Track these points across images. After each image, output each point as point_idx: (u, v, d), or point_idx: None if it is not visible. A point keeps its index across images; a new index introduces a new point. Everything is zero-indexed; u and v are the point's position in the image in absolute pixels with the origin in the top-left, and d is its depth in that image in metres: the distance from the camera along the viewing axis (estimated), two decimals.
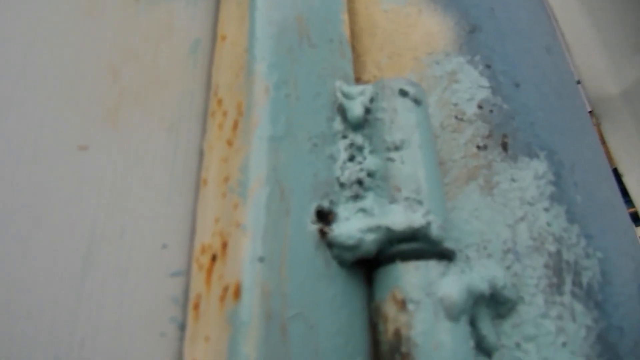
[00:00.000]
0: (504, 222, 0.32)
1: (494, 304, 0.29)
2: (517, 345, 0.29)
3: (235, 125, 0.27)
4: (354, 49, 0.42)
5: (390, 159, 0.29)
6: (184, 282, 0.25)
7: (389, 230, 0.26)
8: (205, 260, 0.25)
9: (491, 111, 0.37)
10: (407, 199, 0.28)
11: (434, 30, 0.41)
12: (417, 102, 0.32)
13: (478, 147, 0.35)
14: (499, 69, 0.39)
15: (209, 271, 0.24)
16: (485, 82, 0.38)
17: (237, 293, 0.22)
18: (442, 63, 0.39)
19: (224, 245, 0.24)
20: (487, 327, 0.28)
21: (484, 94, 0.38)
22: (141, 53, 0.29)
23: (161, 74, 0.29)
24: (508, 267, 0.31)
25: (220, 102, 0.29)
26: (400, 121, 0.31)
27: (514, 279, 0.30)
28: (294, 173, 0.27)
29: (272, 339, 0.21)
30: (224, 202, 0.25)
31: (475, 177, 0.34)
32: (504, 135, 0.36)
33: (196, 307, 0.24)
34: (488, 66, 0.39)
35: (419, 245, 0.27)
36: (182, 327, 0.24)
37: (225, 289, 0.22)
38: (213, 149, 0.28)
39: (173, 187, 0.27)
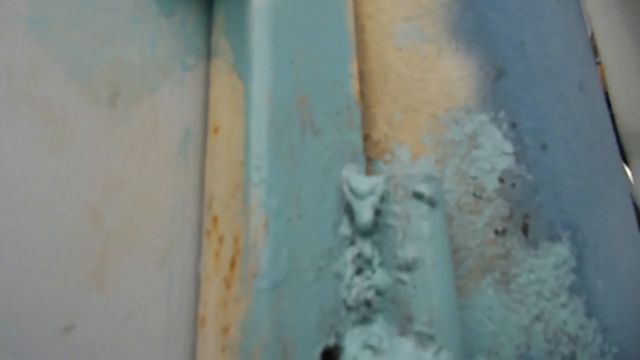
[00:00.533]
0: (518, 323, 0.31)
1: None
2: None
3: (232, 264, 0.25)
4: (362, 96, 0.37)
5: (401, 281, 0.27)
6: None
7: None
8: None
9: (513, 185, 0.34)
10: (418, 333, 0.26)
11: (455, 77, 0.36)
12: (432, 204, 0.29)
13: (496, 232, 0.33)
14: (526, 126, 0.35)
15: None
16: (509, 148, 0.34)
17: None
18: (461, 123, 0.35)
19: None
20: None
21: (506, 162, 0.34)
22: (125, 175, 0.25)
23: (149, 193, 0.26)
24: None
25: (215, 220, 0.27)
26: (413, 232, 0.28)
27: None
28: (297, 319, 0.25)
29: None
30: None
31: (492, 269, 0.32)
32: (526, 216, 0.33)
33: None
34: (513, 125, 0.35)
35: None
36: None
37: None
38: (210, 280, 0.26)
39: (170, 330, 0.25)
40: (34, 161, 0.23)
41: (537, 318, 0.31)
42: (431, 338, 0.26)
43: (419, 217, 0.28)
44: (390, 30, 0.38)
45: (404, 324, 0.27)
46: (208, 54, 0.32)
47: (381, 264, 0.28)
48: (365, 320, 0.27)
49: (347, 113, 0.33)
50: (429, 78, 0.36)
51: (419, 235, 0.28)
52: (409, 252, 0.28)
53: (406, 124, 0.36)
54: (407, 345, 0.26)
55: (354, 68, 0.35)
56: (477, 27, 0.37)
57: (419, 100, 0.36)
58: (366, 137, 0.36)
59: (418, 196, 0.29)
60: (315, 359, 0.25)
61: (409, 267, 0.27)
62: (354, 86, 0.34)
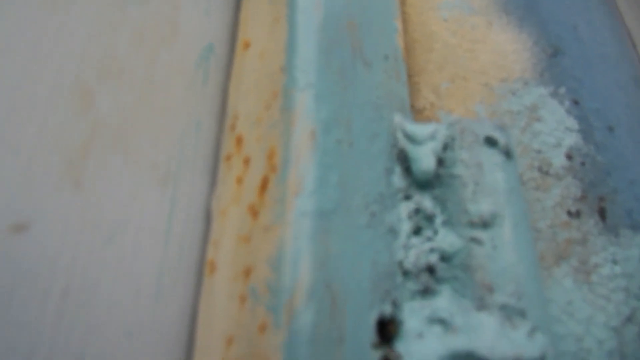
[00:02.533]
0: (606, 324, 0.24)
1: None
2: None
3: (264, 186, 0.18)
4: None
5: (475, 240, 0.21)
6: None
7: None
8: None
9: (583, 163, 0.29)
10: (504, 307, 0.19)
11: (508, 49, 0.32)
12: (508, 155, 0.23)
13: (569, 213, 0.27)
14: (589, 106, 0.31)
15: None
16: (574, 124, 0.30)
17: None
18: (519, 94, 0.31)
19: None
20: None
21: (573, 139, 0.29)
22: (128, 65, 0.19)
23: (156, 98, 0.20)
24: None
25: (240, 141, 0.20)
26: (488, 183, 0.22)
27: None
28: (349, 268, 0.18)
29: None
30: (243, 314, 0.16)
31: (568, 255, 0.26)
32: (601, 199, 0.28)
33: None
34: (576, 102, 0.31)
35: None
36: None
37: None
38: (227, 215, 0.19)
39: (164, 276, 0.18)
40: (32, 17, 0.17)
41: (629, 319, 0.24)
42: (521, 314, 0.19)
43: (493, 166, 0.22)
44: (434, 2, 0.35)
45: (482, 295, 0.20)
46: None
47: (446, 223, 0.22)
48: (427, 292, 0.20)
49: (394, 63, 0.28)
50: (479, 48, 0.32)
51: (494, 187, 0.22)
52: (483, 206, 0.21)
53: (455, 93, 0.31)
54: (489, 321, 0.19)
55: (399, 25, 0.31)
56: (529, 4, 0.34)
57: (469, 70, 0.32)
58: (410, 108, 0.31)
59: (491, 143, 0.23)
60: (370, 326, 0.18)
61: (485, 224, 0.21)
62: (399, 41, 0.30)
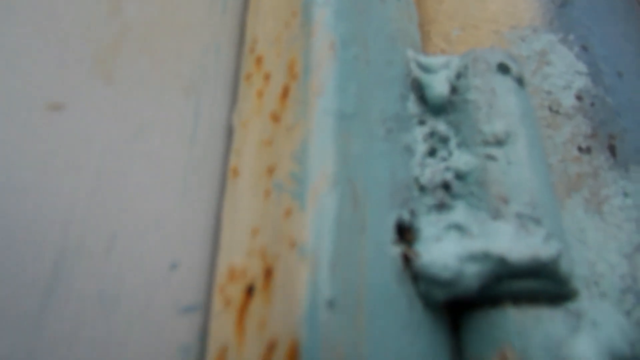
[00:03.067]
0: (619, 250, 0.25)
1: None
2: None
3: (285, 93, 0.19)
4: None
5: (490, 157, 0.21)
6: (200, 323, 0.17)
7: (502, 261, 0.18)
8: (236, 292, 0.16)
9: (592, 104, 0.29)
10: (519, 215, 0.20)
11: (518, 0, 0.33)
12: (520, 82, 0.24)
13: (580, 149, 0.27)
14: (599, 52, 0.31)
15: (242, 311, 0.16)
16: (583, 68, 0.30)
17: (294, 357, 0.13)
18: (529, 40, 0.31)
19: (269, 273, 0.16)
20: None
21: (582, 82, 0.30)
22: None
23: (179, 14, 0.21)
24: (628, 312, 0.23)
25: (259, 60, 0.21)
26: (502, 106, 0.22)
27: (637, 330, 0.22)
28: (369, 168, 0.18)
29: None
30: (268, 205, 0.17)
31: (579, 188, 0.26)
32: (611, 136, 0.28)
33: None
34: (585, 48, 0.31)
35: (541, 284, 0.18)
36: None
37: (272, 345, 0.14)
38: (249, 125, 0.20)
39: (189, 175, 0.18)
40: None
41: None
42: (536, 222, 0.20)
43: (506, 91, 0.23)
44: None
45: (497, 206, 0.20)
46: None
47: (460, 145, 0.22)
48: (443, 207, 0.21)
49: (406, 5, 0.29)
50: None
51: (508, 109, 0.22)
52: (497, 126, 0.22)
53: (466, 40, 0.32)
54: (505, 228, 0.19)
55: None
56: None
57: (479, 18, 0.32)
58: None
59: (504, 69, 0.24)
60: (390, 226, 0.18)
61: (499, 142, 0.21)
62: None
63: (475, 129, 0.22)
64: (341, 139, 0.17)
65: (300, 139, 0.17)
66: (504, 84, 0.23)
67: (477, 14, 0.32)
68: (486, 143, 0.22)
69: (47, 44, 0.15)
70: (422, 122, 0.23)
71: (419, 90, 0.24)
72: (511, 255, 0.18)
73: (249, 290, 0.16)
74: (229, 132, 0.21)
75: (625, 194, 0.26)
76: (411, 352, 0.17)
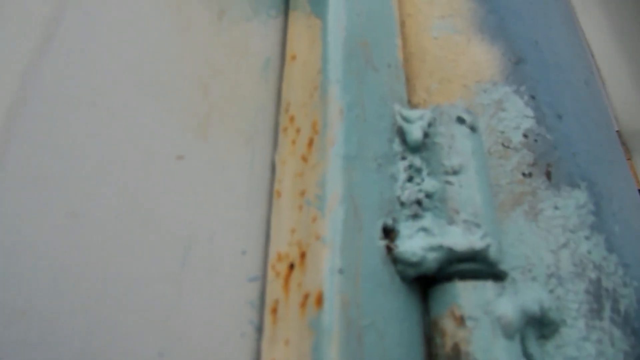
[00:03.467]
0: (547, 248, 0.34)
1: (539, 325, 0.31)
2: None
3: (310, 143, 0.29)
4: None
5: (448, 182, 0.31)
6: (260, 287, 0.27)
7: (450, 250, 0.28)
8: (282, 267, 0.26)
9: (536, 140, 0.39)
10: (465, 221, 0.30)
11: (482, 59, 0.43)
12: (473, 129, 0.34)
13: (524, 174, 0.37)
14: (543, 100, 0.41)
15: (287, 278, 0.26)
16: (530, 112, 0.40)
17: (320, 301, 0.23)
18: (489, 91, 0.41)
19: (303, 255, 0.26)
20: (533, 347, 0.30)
21: (529, 123, 0.40)
22: (225, 69, 0.31)
23: (240, 89, 0.31)
24: (551, 291, 0.33)
25: (292, 119, 0.31)
26: (458, 147, 0.33)
27: (557, 303, 0.32)
28: (364, 191, 0.28)
29: (351, 346, 0.23)
30: (301, 215, 0.27)
31: (521, 202, 0.36)
32: (548, 165, 0.38)
33: (274, 311, 0.25)
34: (533, 97, 0.41)
35: (478, 266, 0.28)
36: (259, 329, 0.26)
37: (306, 296, 0.24)
38: (286, 164, 0.30)
39: (251, 196, 0.29)
40: (164, 40, 0.28)
41: (564, 245, 0.34)
42: (477, 225, 0.30)
43: (462, 136, 0.33)
44: (426, 25, 0.46)
45: (451, 216, 0.30)
46: (286, 9, 0.39)
47: (429, 174, 0.32)
48: (416, 216, 0.31)
49: (395, 69, 0.39)
50: (460, 59, 0.43)
51: (462, 149, 0.33)
52: (454, 161, 0.32)
53: (442, 91, 0.42)
54: (456, 230, 0.29)
55: (399, 42, 0.42)
56: (499, 26, 0.45)
57: (452, 74, 0.43)
58: (407, 102, 0.42)
59: (461, 120, 0.34)
60: (378, 229, 0.28)
61: (455, 172, 0.32)
62: (399, 54, 0.41)
63: (440, 163, 0.32)
64: (347, 173, 0.28)
65: (321, 173, 0.28)
66: (461, 131, 0.33)
67: (450, 72, 0.43)
68: (446, 172, 0.32)
69: (169, 113, 0.26)
70: (403, 158, 0.33)
71: (402, 134, 0.34)
72: (457, 246, 0.28)
73: (291, 266, 0.26)
74: (273, 168, 0.31)
75: (556, 207, 0.36)
76: (391, 308, 0.27)
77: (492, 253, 0.28)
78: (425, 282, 0.30)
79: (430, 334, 0.28)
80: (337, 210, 0.26)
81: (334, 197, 0.26)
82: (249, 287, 0.26)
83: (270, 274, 0.27)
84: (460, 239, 0.29)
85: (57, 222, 0.21)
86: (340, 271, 0.24)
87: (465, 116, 0.34)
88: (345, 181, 0.27)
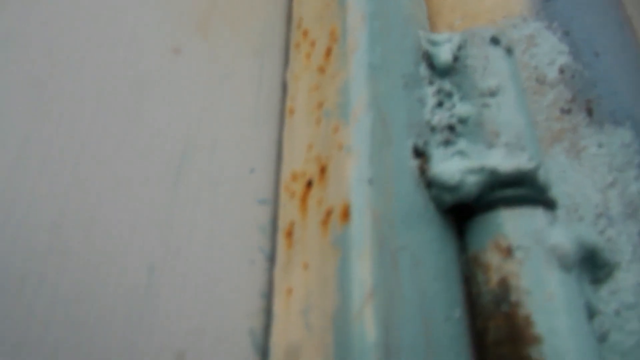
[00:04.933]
0: (593, 187, 0.30)
1: (592, 267, 0.27)
2: (617, 312, 0.26)
3: (328, 52, 0.25)
4: None
5: (485, 105, 0.27)
6: (271, 212, 0.23)
7: (493, 172, 0.24)
8: (298, 187, 0.22)
9: (573, 76, 0.35)
10: (507, 144, 0.26)
11: None
12: (509, 51, 0.30)
13: (562, 110, 0.33)
14: (578, 36, 0.38)
15: (303, 198, 0.22)
16: (565, 48, 0.36)
17: (346, 215, 0.19)
18: (519, 27, 0.38)
19: (323, 170, 0.22)
20: (587, 289, 0.26)
21: (564, 59, 0.36)
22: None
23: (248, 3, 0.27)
24: (601, 232, 0.28)
25: (305, 33, 0.27)
26: (493, 68, 0.29)
27: (609, 244, 0.28)
28: (391, 105, 0.24)
29: (385, 266, 0.19)
30: (319, 128, 0.23)
31: (561, 139, 0.32)
32: (588, 101, 0.34)
33: (289, 234, 0.21)
34: (567, 33, 0.37)
35: (525, 191, 0.24)
36: (270, 258, 0.22)
37: (329, 212, 0.20)
38: (299, 79, 0.26)
39: (259, 111, 0.25)
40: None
41: (612, 184, 0.30)
42: (522, 148, 0.25)
43: (497, 57, 0.29)
44: None
45: (491, 140, 0.26)
46: None
47: (462, 99, 0.28)
48: (449, 143, 0.27)
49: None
50: None
51: (499, 70, 0.29)
52: (491, 82, 0.28)
53: (466, 28, 0.38)
54: (497, 153, 0.25)
55: None
56: None
57: (477, 10, 0.39)
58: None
59: (495, 41, 0.30)
60: (408, 147, 0.24)
61: (492, 93, 0.28)
62: None
63: (473, 85, 0.28)
64: (371, 81, 0.24)
65: (343, 80, 0.23)
66: (496, 52, 0.29)
67: (475, 7, 0.39)
68: (482, 95, 0.28)
69: (168, 8, 0.22)
70: (431, 83, 0.29)
71: (428, 59, 0.30)
72: (501, 167, 0.24)
73: (309, 184, 0.22)
74: (284, 88, 0.27)
75: (600, 145, 0.32)
76: (426, 238, 0.23)
77: (542, 176, 0.24)
78: (461, 216, 0.26)
79: (468, 273, 0.24)
80: (363, 117, 0.22)
81: (359, 102, 0.22)
82: (259, 210, 0.22)
83: (284, 196, 0.23)
84: (504, 160, 0.25)
85: (50, 119, 0.17)
86: (370, 181, 0.20)
87: (500, 36, 0.30)
88: (371, 89, 0.23)
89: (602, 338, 0.26)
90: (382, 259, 0.19)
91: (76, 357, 0.14)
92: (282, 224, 0.22)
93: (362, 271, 0.18)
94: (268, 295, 0.21)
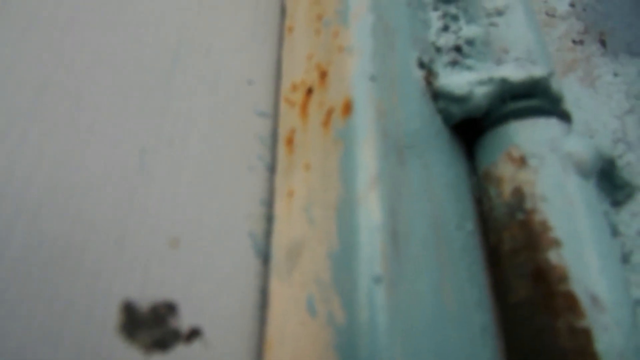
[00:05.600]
0: (610, 113, 0.29)
1: (611, 187, 0.25)
2: (639, 234, 0.25)
3: None
4: None
5: (493, 24, 0.26)
6: (271, 125, 0.22)
7: (504, 81, 0.23)
8: (298, 96, 0.21)
9: (584, 9, 0.34)
10: (517, 59, 0.24)
11: None
12: None
13: (574, 41, 0.32)
14: None
15: (304, 105, 0.21)
16: None
17: (348, 108, 0.18)
18: None
19: (323, 75, 0.21)
20: (607, 207, 0.24)
21: None
22: None
23: None
24: (620, 156, 0.27)
25: None
26: None
27: (628, 168, 0.27)
28: (394, 15, 0.23)
29: (391, 158, 0.18)
30: (319, 38, 0.22)
31: (574, 69, 0.31)
32: (601, 33, 0.33)
33: (289, 142, 0.20)
34: None
35: (538, 102, 0.23)
36: (270, 168, 0.21)
37: (330, 111, 0.19)
38: None
39: (257, 29, 0.24)
40: None
41: (630, 111, 0.29)
42: (533, 62, 0.24)
43: None
44: None
45: (500, 56, 0.25)
46: None
47: (468, 21, 0.27)
48: (456, 63, 0.26)
49: None
50: None
51: None
52: (498, 1, 0.27)
53: None
54: (507, 66, 0.24)
55: None
56: None
57: None
58: None
59: None
60: (413, 58, 0.23)
61: (499, 12, 0.26)
62: None
63: (480, 7, 0.27)
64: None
65: None
66: None
67: None
68: (489, 15, 0.26)
69: None
70: (435, 8, 0.28)
71: None
72: (511, 76, 0.23)
73: (309, 91, 0.21)
74: (283, 12, 0.26)
75: (615, 74, 0.31)
76: (434, 145, 0.22)
77: (555, 84, 0.23)
78: (471, 136, 0.24)
79: (481, 192, 0.23)
80: (363, 19, 0.21)
81: (358, 7, 0.21)
82: (258, 121, 0.21)
83: (284, 106, 0.22)
84: (514, 70, 0.23)
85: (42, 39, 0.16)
86: (373, 78, 0.19)
87: None
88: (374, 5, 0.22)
89: (625, 259, 0.24)
90: (387, 149, 0.18)
91: (59, 230, 0.13)
92: (283, 132, 0.21)
93: (366, 159, 0.17)
94: (268, 203, 0.20)
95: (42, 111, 0.14)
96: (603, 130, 0.28)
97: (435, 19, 0.28)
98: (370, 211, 0.16)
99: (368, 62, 0.19)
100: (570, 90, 0.30)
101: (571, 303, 0.18)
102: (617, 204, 0.26)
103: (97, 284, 0.13)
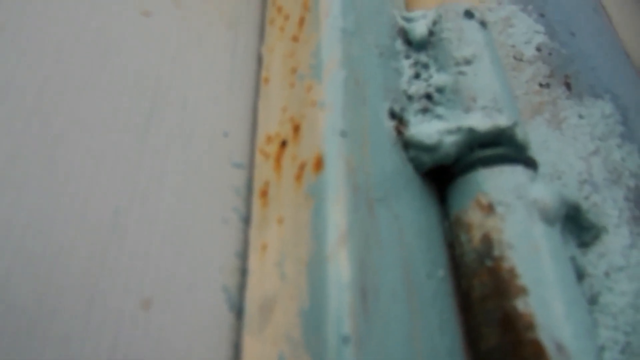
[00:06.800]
0: (576, 155, 0.30)
1: (578, 229, 0.26)
2: (607, 274, 0.26)
3: (301, 22, 0.25)
4: None
5: (461, 73, 0.27)
6: (246, 176, 0.22)
7: (471, 131, 0.24)
8: (273, 148, 0.22)
9: (550, 54, 0.35)
10: (484, 107, 0.25)
11: None
12: (483, 24, 0.30)
13: (541, 85, 0.33)
14: (553, 18, 0.38)
15: (278, 157, 0.21)
16: (541, 28, 0.37)
17: (319, 164, 0.19)
18: (495, 10, 0.38)
19: (297, 129, 0.21)
20: (574, 250, 0.25)
21: (541, 38, 0.36)
22: None
23: None
24: (586, 197, 0.28)
25: (280, 9, 0.28)
26: (468, 38, 0.29)
27: (594, 209, 0.28)
28: (366, 68, 0.24)
29: (361, 212, 0.18)
30: (293, 91, 0.23)
31: (541, 112, 0.32)
32: (567, 76, 0.34)
33: (264, 194, 0.21)
34: (542, 15, 0.38)
35: (504, 150, 0.24)
36: (245, 220, 0.21)
37: (302, 166, 0.20)
38: (274, 50, 0.26)
39: (233, 80, 0.25)
40: None
41: (594, 152, 0.30)
42: (499, 110, 0.25)
43: (472, 29, 0.29)
44: None
45: (468, 104, 0.26)
46: None
47: (439, 70, 0.28)
48: (426, 110, 0.27)
49: None
50: None
51: (473, 40, 0.29)
52: (466, 51, 0.28)
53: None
54: (474, 115, 0.25)
55: None
56: None
57: None
58: None
59: (469, 15, 0.30)
60: (385, 109, 0.24)
61: (467, 61, 0.28)
62: None
63: (449, 56, 0.28)
64: (344, 43, 0.24)
65: (315, 43, 0.23)
66: (470, 24, 0.30)
67: None
68: (457, 64, 0.28)
69: None
70: (407, 57, 0.29)
71: (404, 35, 0.30)
72: (478, 125, 0.24)
73: (283, 144, 0.22)
74: (259, 61, 0.27)
75: (580, 116, 0.32)
76: (406, 191, 0.22)
77: (520, 133, 0.24)
78: (441, 182, 0.25)
79: (452, 237, 0.24)
80: (335, 75, 0.22)
81: (330, 62, 0.22)
82: (233, 172, 0.22)
83: (259, 158, 0.22)
84: (480, 120, 0.24)
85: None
86: (343, 133, 0.20)
87: (474, 11, 0.30)
88: (343, 50, 0.23)
89: (592, 300, 0.25)
90: (357, 204, 0.18)
91: (30, 292, 0.13)
92: (257, 185, 0.21)
93: (336, 215, 0.17)
94: (243, 256, 0.20)
95: (13, 176, 0.15)
96: (569, 171, 0.29)
97: (407, 67, 0.29)
98: (340, 268, 0.16)
99: (339, 118, 0.20)
100: (537, 132, 0.31)
101: (538, 351, 0.19)
102: (584, 245, 0.27)
103: (67, 350, 0.13)
